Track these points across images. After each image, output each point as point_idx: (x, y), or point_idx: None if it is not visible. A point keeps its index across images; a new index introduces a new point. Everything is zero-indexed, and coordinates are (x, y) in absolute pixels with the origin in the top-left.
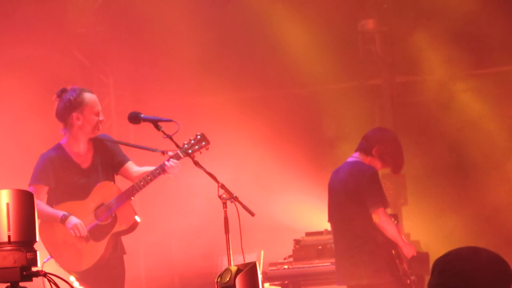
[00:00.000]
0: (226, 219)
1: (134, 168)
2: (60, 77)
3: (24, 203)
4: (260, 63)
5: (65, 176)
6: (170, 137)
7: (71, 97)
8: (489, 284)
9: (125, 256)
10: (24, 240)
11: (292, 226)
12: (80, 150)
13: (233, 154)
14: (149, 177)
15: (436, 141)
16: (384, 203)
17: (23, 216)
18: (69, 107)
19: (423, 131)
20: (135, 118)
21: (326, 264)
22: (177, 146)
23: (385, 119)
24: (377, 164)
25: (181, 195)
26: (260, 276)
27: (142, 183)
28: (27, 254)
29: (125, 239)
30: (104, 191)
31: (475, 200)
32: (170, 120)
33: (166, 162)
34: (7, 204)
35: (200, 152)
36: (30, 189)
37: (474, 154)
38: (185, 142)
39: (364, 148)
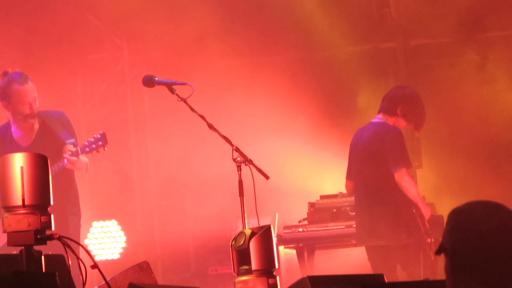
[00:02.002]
0: (240, 182)
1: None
2: (74, 41)
3: (38, 167)
4: (274, 27)
5: (1, 152)
6: (185, 100)
7: (1, 86)
8: (501, 247)
9: (140, 220)
10: (38, 203)
11: (306, 189)
12: (21, 129)
13: (247, 117)
14: (56, 167)
15: (451, 104)
16: (407, 164)
17: (37, 180)
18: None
19: (438, 95)
20: (149, 81)
21: (340, 227)
22: (192, 109)
23: (399, 83)
24: (401, 123)
25: (195, 158)
26: (274, 239)
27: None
28: (41, 217)
29: (139, 202)
30: None
31: (490, 162)
32: (184, 83)
33: (65, 155)
34: (21, 167)
35: (98, 151)
36: None
37: (490, 116)
38: (87, 141)
39: (387, 109)
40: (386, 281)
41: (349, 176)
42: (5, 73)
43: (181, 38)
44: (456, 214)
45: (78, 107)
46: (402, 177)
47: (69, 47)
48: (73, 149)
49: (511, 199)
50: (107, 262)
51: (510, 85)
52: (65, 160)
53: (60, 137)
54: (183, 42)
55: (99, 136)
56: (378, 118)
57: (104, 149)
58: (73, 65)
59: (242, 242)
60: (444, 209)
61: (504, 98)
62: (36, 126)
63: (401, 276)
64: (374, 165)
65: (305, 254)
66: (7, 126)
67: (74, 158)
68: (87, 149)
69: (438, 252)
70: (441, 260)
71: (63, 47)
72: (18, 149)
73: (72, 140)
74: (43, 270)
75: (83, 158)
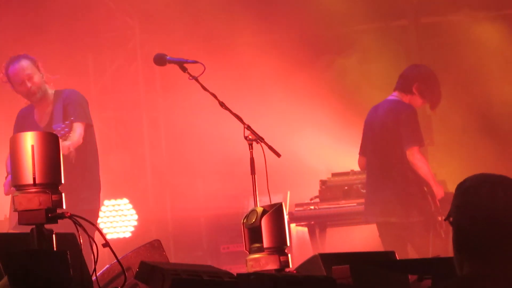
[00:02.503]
0: (252, 160)
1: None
2: (86, 20)
3: (49, 145)
4: (284, 5)
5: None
6: (196, 79)
7: (4, 72)
8: (506, 227)
9: (152, 198)
10: (49, 182)
11: (318, 167)
12: (40, 109)
13: (259, 96)
14: None
15: (463, 82)
16: (419, 142)
17: (48, 158)
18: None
19: (449, 72)
20: (160, 60)
21: (352, 205)
22: (203, 87)
23: (410, 61)
24: (417, 101)
25: (207, 137)
26: (286, 217)
27: None
28: (53, 196)
29: (151, 181)
30: None
31: (502, 139)
32: (195, 62)
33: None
34: (32, 146)
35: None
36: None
37: (502, 94)
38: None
39: (403, 86)
40: (397, 258)
41: (362, 152)
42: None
43: (192, 17)
44: (462, 192)
45: (90, 86)
46: (414, 155)
47: (81, 26)
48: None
49: None
50: (119, 241)
51: None
52: None
53: (66, 114)
54: (194, 21)
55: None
56: (394, 95)
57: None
58: (85, 43)
59: (254, 220)
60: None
61: None
62: (51, 107)
63: (411, 253)
64: (387, 142)
65: (317, 231)
66: (31, 108)
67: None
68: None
69: (446, 219)
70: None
71: (75, 25)
72: (37, 129)
73: (59, 124)
74: (54, 249)
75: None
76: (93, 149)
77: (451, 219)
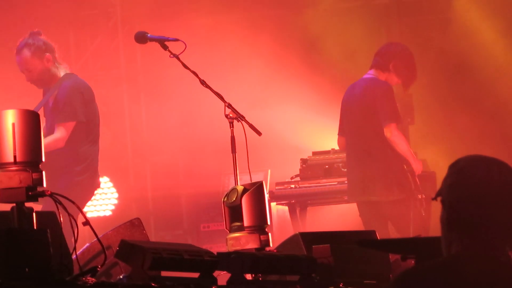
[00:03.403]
0: (232, 139)
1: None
2: None
3: (30, 123)
4: None
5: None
6: (177, 57)
7: None
8: (500, 209)
9: (132, 176)
10: (30, 160)
11: (299, 145)
12: (43, 94)
13: (240, 74)
14: None
15: (443, 60)
16: (396, 119)
17: (28, 136)
18: None
19: (430, 51)
20: (141, 38)
21: (333, 183)
22: (184, 65)
23: (392, 39)
24: (393, 79)
25: (187, 115)
26: (266, 196)
27: None
28: (33, 174)
29: (132, 159)
30: None
31: (484, 117)
32: (176, 40)
33: None
34: (13, 124)
35: None
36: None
37: (481, 71)
38: None
39: (380, 64)
40: (378, 237)
41: (341, 132)
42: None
43: None
44: (457, 172)
45: (71, 63)
46: (391, 132)
47: (62, 3)
48: None
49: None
50: (99, 219)
51: (497, 36)
52: None
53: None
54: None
55: None
56: (370, 73)
57: None
58: (66, 21)
59: (234, 199)
60: (436, 166)
61: (492, 49)
62: (48, 95)
63: (392, 232)
64: (365, 120)
65: (297, 210)
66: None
67: None
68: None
69: (434, 198)
70: (433, 216)
71: (55, 3)
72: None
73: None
74: (35, 227)
75: None
76: (81, 145)
77: (440, 198)
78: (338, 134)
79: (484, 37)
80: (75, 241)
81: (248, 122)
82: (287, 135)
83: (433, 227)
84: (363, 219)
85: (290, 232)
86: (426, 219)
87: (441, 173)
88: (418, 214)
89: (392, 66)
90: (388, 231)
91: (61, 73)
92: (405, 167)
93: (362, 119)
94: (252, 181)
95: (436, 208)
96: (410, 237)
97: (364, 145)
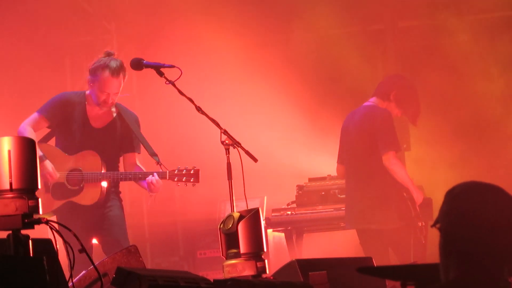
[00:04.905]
0: (228, 165)
1: (135, 161)
2: (63, 23)
3: (26, 150)
4: (262, 7)
5: (70, 123)
6: (172, 83)
7: (94, 63)
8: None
9: (128, 202)
10: (26, 187)
11: (295, 171)
12: (97, 108)
13: (236, 100)
14: (130, 175)
15: (440, 86)
16: (395, 147)
17: (24, 163)
18: (90, 69)
19: (426, 77)
20: (137, 64)
21: (329, 210)
22: (180, 91)
23: (387, 64)
24: (393, 109)
25: (183, 141)
26: (263, 222)
27: (121, 176)
28: (29, 201)
29: (127, 185)
30: (89, 159)
31: (478, 142)
32: (172, 66)
33: (150, 177)
34: (9, 151)
35: (186, 185)
36: (34, 115)
37: (478, 97)
38: (179, 167)
39: (382, 93)
40: (374, 264)
41: (340, 160)
42: (108, 54)
43: (169, 21)
44: (452, 198)
45: (67, 89)
46: (390, 160)
47: (58, 30)
48: (163, 170)
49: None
50: (96, 246)
51: (497, 68)
52: (152, 179)
53: (134, 137)
54: (172, 25)
55: (192, 171)
56: (371, 101)
57: (193, 185)
58: (63, 47)
59: (230, 226)
60: (433, 192)
61: (489, 75)
62: (114, 114)
63: (393, 259)
64: (364, 148)
65: (294, 237)
66: (82, 97)
67: (161, 182)
68: (176, 178)
69: (433, 225)
70: (431, 244)
71: (52, 29)
72: (88, 127)
73: (157, 158)
74: (31, 255)
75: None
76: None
77: (438, 225)
78: (338, 162)
79: (483, 63)
80: (72, 268)
81: (244, 149)
82: (283, 162)
83: (431, 255)
84: (364, 247)
85: (286, 258)
86: (426, 247)
87: (437, 200)
88: (419, 242)
89: (393, 96)
90: (389, 258)
91: None
92: (405, 194)
93: (361, 146)
94: (249, 208)
95: (433, 234)
96: (411, 264)
97: (363, 172)
